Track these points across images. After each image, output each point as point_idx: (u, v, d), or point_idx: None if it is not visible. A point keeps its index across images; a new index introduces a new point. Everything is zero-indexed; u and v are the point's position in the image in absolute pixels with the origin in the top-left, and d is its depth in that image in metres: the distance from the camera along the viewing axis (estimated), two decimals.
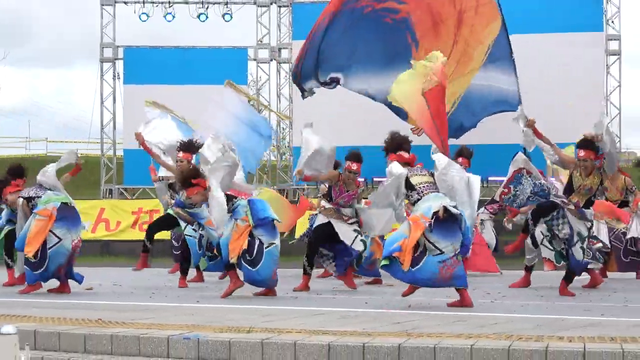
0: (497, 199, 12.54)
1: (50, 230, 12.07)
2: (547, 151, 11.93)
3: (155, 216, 19.58)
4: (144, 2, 25.96)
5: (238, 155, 12.16)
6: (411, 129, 14.17)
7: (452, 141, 14.89)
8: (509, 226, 15.03)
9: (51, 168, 12.73)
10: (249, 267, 11.56)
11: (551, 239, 11.98)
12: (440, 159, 10.55)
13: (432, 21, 17.62)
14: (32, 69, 61.91)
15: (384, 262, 9.97)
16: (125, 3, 26.30)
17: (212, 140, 12.14)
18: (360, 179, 13.86)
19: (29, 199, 12.52)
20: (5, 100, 70.49)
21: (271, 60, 26.71)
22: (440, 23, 17.56)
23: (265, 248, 11.59)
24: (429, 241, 9.87)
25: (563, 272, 11.98)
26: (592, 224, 11.86)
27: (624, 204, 14.77)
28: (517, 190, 11.80)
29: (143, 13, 25.86)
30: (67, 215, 12.30)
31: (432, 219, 9.85)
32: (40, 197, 12.35)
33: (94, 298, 11.36)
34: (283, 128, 27.70)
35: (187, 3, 26.12)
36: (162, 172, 14.79)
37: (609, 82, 24.50)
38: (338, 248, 12.96)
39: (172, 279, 14.53)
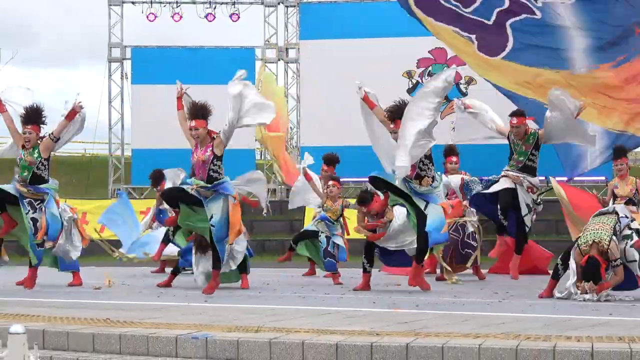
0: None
1: None
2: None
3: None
4: (151, 2, 25.98)
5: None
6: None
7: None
8: None
9: None
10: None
11: None
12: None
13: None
14: (37, 69, 61.96)
15: None
16: (133, 3, 26.31)
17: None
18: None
19: None
20: None
21: (279, 60, 26.72)
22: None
23: None
24: None
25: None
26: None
27: (630, 202, 14.70)
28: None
29: (150, 13, 25.90)
30: None
31: None
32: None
33: (102, 297, 11.37)
34: (290, 128, 27.67)
35: (194, 3, 26.13)
36: None
37: None
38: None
39: (179, 279, 14.52)
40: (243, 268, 12.95)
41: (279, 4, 26.57)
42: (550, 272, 11.82)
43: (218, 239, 11.98)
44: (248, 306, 10.19)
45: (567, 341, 6.94)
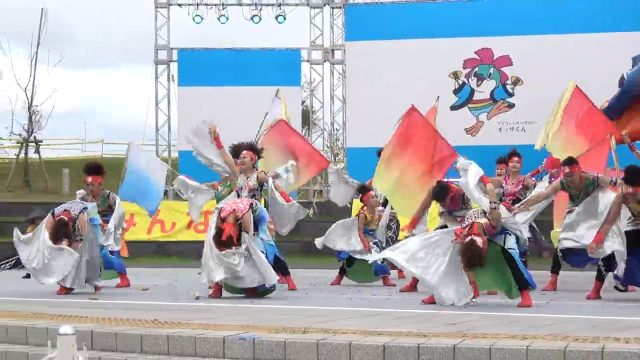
0: None
1: None
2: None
3: (210, 217, 19.58)
4: (197, 5, 26.10)
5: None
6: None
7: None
8: None
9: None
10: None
11: None
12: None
13: None
14: (86, 70, 62.44)
15: None
16: (180, 5, 26.45)
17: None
18: None
19: None
20: (60, 103, 71.29)
21: (324, 61, 26.72)
22: None
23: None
24: None
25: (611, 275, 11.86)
26: None
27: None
28: None
29: (197, 15, 26.04)
30: None
31: None
32: None
33: (150, 299, 11.44)
34: (337, 129, 27.68)
35: (240, 5, 26.21)
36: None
37: None
38: None
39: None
40: (285, 270, 12.95)
41: (324, 5, 26.58)
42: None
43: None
44: (294, 307, 10.21)
45: (616, 342, 6.89)
